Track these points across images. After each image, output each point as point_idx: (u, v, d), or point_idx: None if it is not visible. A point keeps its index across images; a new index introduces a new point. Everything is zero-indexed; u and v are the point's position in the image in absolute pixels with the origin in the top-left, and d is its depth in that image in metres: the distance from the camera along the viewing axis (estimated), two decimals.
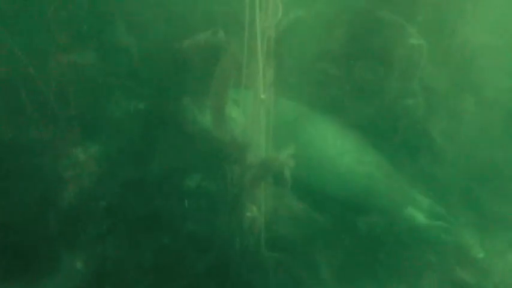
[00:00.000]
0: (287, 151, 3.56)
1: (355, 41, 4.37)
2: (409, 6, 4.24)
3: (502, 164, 4.97)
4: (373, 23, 4.34)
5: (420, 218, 4.43)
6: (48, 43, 4.00)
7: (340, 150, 4.34)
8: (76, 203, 3.92)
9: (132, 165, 4.24)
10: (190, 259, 3.86)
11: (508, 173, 5.02)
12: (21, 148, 4.03)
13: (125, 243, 3.91)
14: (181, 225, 3.92)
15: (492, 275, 4.69)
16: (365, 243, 4.39)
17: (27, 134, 4.03)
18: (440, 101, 4.55)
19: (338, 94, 4.36)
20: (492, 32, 4.41)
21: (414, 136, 4.53)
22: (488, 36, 4.38)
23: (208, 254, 3.78)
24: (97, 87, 4.30)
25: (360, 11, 4.41)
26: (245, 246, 3.65)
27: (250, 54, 3.27)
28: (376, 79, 4.33)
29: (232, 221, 3.56)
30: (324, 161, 4.30)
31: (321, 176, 4.28)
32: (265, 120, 3.42)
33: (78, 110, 4.09)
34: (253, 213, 3.50)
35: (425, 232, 4.41)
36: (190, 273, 3.79)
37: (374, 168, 4.38)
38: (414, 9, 4.22)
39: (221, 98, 3.49)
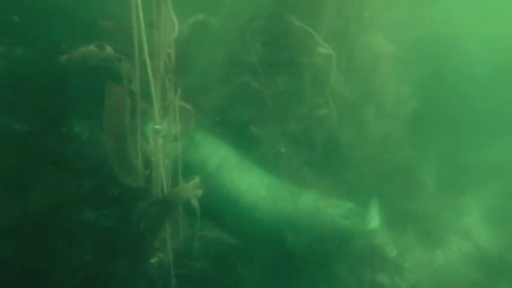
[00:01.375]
0: (193, 181, 3.22)
1: (268, 50, 4.12)
2: (314, 17, 4.06)
3: (403, 164, 5.11)
4: (283, 31, 4.11)
5: (340, 221, 4.33)
6: None
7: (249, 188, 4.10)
8: None
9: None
10: None
11: (409, 172, 5.18)
12: None
13: None
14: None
15: (404, 271, 4.85)
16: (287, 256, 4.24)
17: None
18: (346, 109, 4.48)
19: (259, 109, 4.11)
20: (391, 40, 4.44)
21: (328, 145, 4.43)
22: (387, 43, 4.40)
23: None
24: None
25: (270, 17, 4.15)
26: None
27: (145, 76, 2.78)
28: (292, 91, 4.13)
29: (135, 269, 3.10)
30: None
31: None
32: (164, 153, 2.97)
33: None
34: (159, 257, 3.08)
35: (345, 233, 4.32)
36: None
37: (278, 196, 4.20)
38: (318, 19, 4.04)
39: (117, 128, 2.95)
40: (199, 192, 3.36)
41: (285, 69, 4.31)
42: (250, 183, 4.03)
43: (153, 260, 3.11)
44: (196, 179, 3.28)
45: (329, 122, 4.38)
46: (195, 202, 3.37)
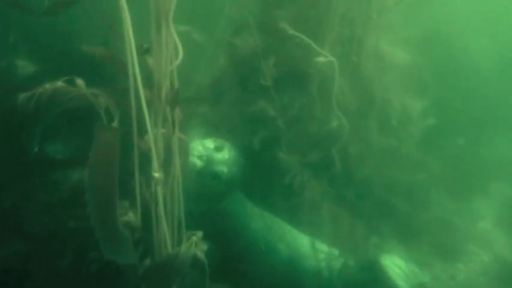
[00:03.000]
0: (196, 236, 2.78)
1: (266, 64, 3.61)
2: (318, 23, 3.56)
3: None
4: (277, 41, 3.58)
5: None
6: None
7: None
8: None
9: None
10: None
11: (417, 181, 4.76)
12: None
13: None
14: None
15: None
16: None
17: None
18: (353, 122, 4.02)
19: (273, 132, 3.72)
20: (399, 46, 4.04)
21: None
22: (396, 50, 3.99)
23: None
24: None
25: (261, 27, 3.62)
26: None
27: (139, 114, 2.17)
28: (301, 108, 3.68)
29: None
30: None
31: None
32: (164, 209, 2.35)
33: None
34: None
35: None
36: None
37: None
38: (323, 26, 3.55)
39: (105, 182, 2.28)
40: (204, 247, 2.81)
41: (289, 84, 3.79)
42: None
43: None
44: (199, 234, 2.71)
45: (342, 136, 3.90)
46: (201, 256, 2.78)
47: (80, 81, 2.64)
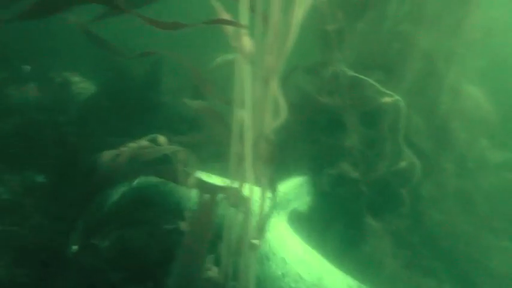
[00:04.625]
0: None
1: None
2: (395, 58, 3.44)
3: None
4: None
5: None
6: None
7: None
8: None
9: None
10: None
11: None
12: None
13: None
14: None
15: None
16: None
17: None
18: (425, 161, 3.81)
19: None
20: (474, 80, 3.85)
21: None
22: (472, 87, 3.81)
23: None
24: None
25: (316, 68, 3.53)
26: None
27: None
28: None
29: None
30: None
31: None
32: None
33: None
34: None
35: None
36: None
37: None
38: (400, 61, 3.44)
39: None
40: None
41: (357, 123, 3.64)
42: None
43: None
44: None
45: (412, 176, 3.69)
46: None
47: (162, 139, 2.57)
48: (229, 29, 1.96)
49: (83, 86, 5.40)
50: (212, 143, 3.01)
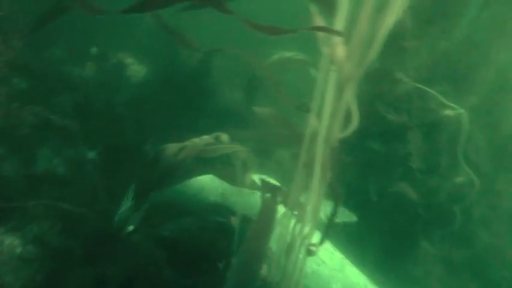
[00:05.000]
0: None
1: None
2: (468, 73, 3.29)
3: None
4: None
5: None
6: None
7: None
8: None
9: None
10: None
11: None
12: None
13: None
14: None
15: None
16: None
17: None
18: (481, 180, 3.63)
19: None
20: None
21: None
22: None
23: None
24: None
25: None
26: None
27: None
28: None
29: None
30: None
31: None
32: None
33: None
34: None
35: None
36: None
37: None
38: (470, 73, 3.28)
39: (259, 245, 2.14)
40: None
41: (414, 133, 3.51)
42: None
43: None
44: None
45: (468, 194, 3.54)
46: None
47: (224, 137, 2.55)
48: (320, 34, 1.89)
49: (135, 68, 5.51)
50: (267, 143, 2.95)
